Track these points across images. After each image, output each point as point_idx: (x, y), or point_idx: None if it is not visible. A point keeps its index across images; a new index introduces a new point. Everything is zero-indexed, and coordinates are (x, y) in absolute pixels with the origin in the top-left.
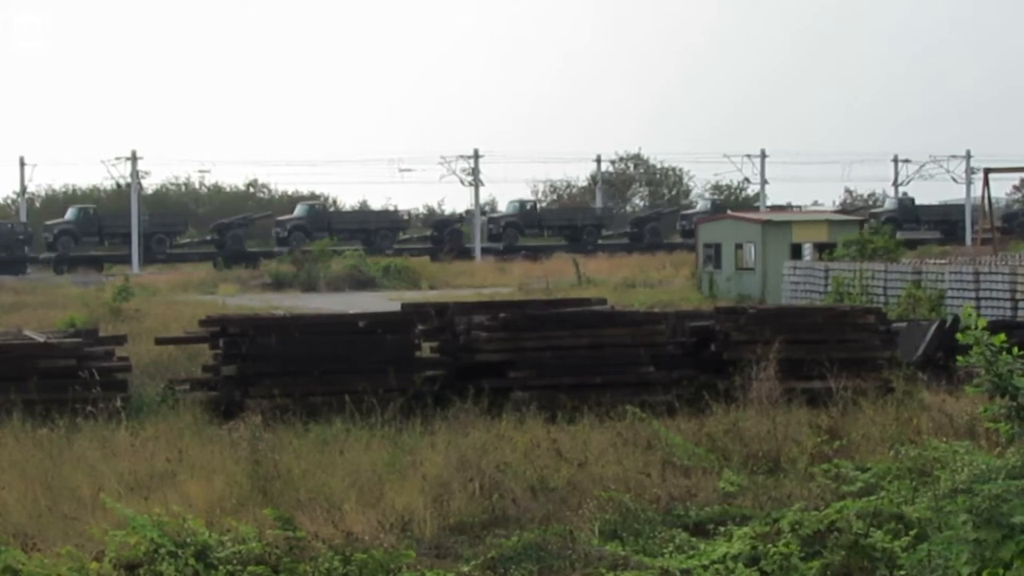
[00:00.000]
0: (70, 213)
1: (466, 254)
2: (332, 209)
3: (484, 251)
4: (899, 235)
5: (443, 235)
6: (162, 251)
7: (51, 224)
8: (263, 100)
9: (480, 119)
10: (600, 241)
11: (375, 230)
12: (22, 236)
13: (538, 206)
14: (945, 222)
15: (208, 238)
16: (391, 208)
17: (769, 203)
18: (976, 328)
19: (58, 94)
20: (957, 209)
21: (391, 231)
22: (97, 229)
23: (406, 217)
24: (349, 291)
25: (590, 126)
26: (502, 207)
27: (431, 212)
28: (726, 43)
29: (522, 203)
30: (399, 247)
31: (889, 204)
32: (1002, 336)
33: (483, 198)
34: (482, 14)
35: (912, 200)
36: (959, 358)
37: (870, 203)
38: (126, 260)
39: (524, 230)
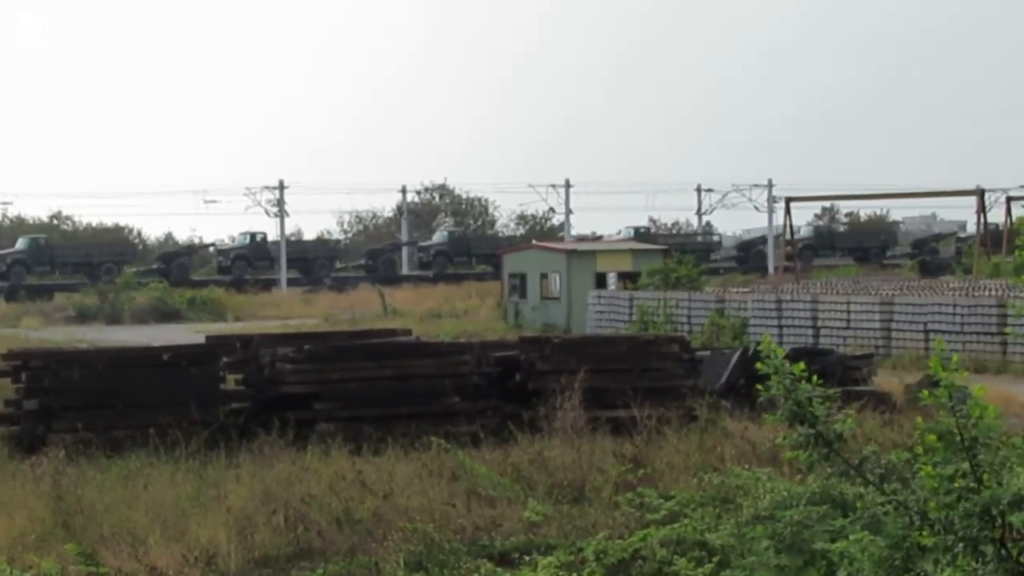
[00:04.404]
0: (21, 243)
1: (395, 281)
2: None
3: (418, 279)
4: (816, 262)
5: (377, 263)
6: (111, 279)
7: (3, 254)
8: (66, 132)
9: (286, 150)
10: None
11: (313, 259)
12: None
13: (467, 235)
14: (859, 248)
15: (154, 267)
16: (328, 237)
17: (574, 232)
18: (775, 357)
19: None
20: (871, 235)
21: (328, 259)
22: (49, 258)
23: (343, 246)
24: (154, 323)
25: (396, 157)
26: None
27: (367, 240)
28: (532, 75)
29: (451, 232)
30: (336, 275)
31: (805, 231)
32: (801, 365)
33: (289, 229)
34: (287, 46)
35: (828, 227)
36: (759, 387)
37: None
38: (78, 288)
39: (454, 258)
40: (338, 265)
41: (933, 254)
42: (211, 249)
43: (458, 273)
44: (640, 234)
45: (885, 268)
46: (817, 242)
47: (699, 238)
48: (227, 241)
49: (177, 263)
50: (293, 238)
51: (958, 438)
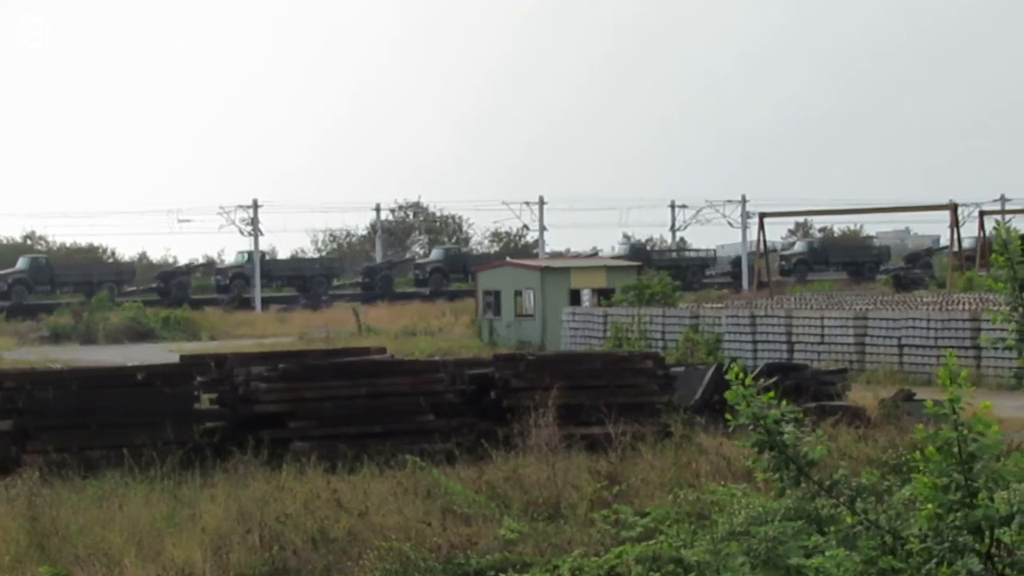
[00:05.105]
0: (22, 262)
1: (394, 299)
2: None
3: (411, 295)
4: (809, 276)
5: (374, 281)
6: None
7: (4, 274)
8: (39, 151)
9: (259, 169)
10: None
11: (311, 277)
12: None
13: (462, 252)
14: (854, 263)
15: (153, 286)
16: (325, 255)
17: (548, 249)
18: (742, 385)
19: None
20: (865, 250)
21: (326, 278)
22: (49, 278)
23: (338, 264)
24: (129, 343)
25: (369, 176)
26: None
27: (342, 258)
28: (504, 93)
29: (446, 250)
30: (333, 293)
31: (800, 246)
32: (771, 394)
33: (263, 247)
34: (260, 64)
35: (822, 243)
36: (728, 417)
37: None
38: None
39: (449, 276)
40: (336, 283)
41: (927, 268)
42: (190, 270)
43: (455, 290)
44: (635, 249)
45: (860, 283)
46: (811, 257)
47: (687, 253)
48: (199, 259)
49: (176, 282)
50: (268, 256)
51: (956, 450)
